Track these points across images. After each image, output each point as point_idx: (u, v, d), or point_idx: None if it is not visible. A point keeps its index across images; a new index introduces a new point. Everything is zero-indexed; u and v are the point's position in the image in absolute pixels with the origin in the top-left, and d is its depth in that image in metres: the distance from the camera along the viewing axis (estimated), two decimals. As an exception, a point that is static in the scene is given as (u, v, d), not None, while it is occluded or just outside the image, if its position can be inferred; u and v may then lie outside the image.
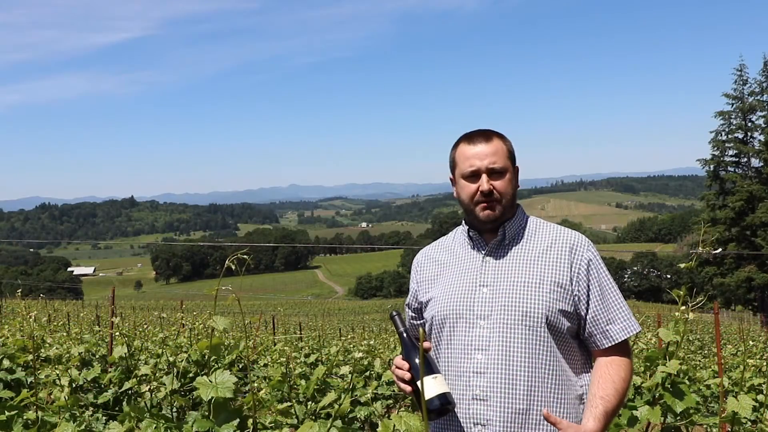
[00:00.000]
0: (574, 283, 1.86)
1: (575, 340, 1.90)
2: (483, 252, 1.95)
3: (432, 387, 1.73)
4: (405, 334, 1.87)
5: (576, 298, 1.86)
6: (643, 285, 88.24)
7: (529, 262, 1.89)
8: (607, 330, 1.86)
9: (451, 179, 2.03)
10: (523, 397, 1.78)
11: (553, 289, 1.84)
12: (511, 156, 1.95)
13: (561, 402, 1.81)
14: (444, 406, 1.73)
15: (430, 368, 1.77)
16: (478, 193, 1.89)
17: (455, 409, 1.84)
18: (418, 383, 1.73)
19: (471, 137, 1.95)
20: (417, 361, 1.77)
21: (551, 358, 1.81)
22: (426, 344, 1.85)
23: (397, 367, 1.84)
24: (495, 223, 1.92)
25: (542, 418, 1.78)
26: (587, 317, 1.87)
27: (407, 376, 1.79)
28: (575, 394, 1.84)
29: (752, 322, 37.24)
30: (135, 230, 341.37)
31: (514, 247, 1.93)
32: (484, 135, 1.94)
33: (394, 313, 1.90)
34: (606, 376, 1.82)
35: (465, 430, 1.82)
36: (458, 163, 1.96)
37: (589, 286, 1.87)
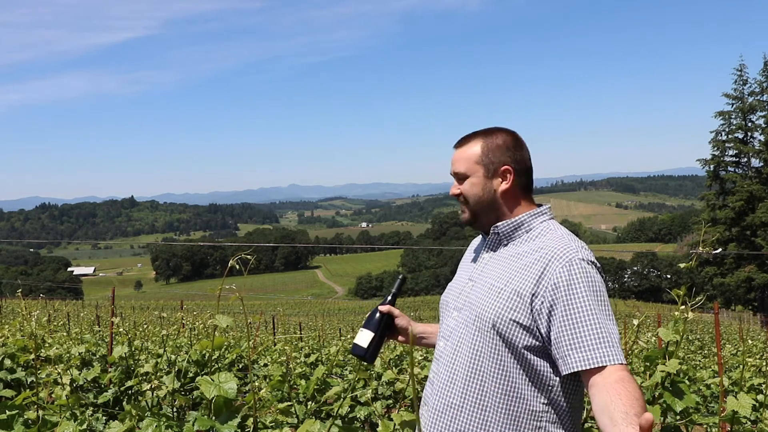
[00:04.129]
0: (537, 297, 1.71)
1: (543, 357, 1.73)
2: (483, 249, 2.01)
3: (359, 337, 2.12)
4: (389, 294, 2.20)
5: (536, 314, 1.71)
6: (643, 285, 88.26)
7: (505, 267, 1.85)
8: (567, 356, 1.65)
9: None
10: (458, 392, 1.79)
11: (511, 298, 1.75)
12: (483, 158, 1.89)
13: (498, 410, 1.74)
14: (356, 353, 2.10)
15: (373, 324, 2.12)
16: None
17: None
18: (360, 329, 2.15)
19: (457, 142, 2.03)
20: (376, 315, 2.14)
21: (496, 364, 1.75)
22: (383, 307, 2.13)
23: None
24: (472, 226, 2.00)
25: (471, 417, 1.74)
26: (551, 338, 1.69)
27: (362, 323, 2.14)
28: (528, 409, 1.72)
29: (752, 322, 37.22)
30: (135, 230, 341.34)
31: (506, 249, 1.92)
32: (462, 140, 1.98)
33: (400, 276, 2.24)
34: (627, 393, 1.54)
35: (421, 407, 1.95)
36: None
37: (552, 305, 1.68)
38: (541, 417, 1.73)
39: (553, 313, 1.69)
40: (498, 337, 1.74)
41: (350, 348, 2.13)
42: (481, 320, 1.79)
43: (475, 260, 2.02)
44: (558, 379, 1.73)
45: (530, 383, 1.73)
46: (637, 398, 1.53)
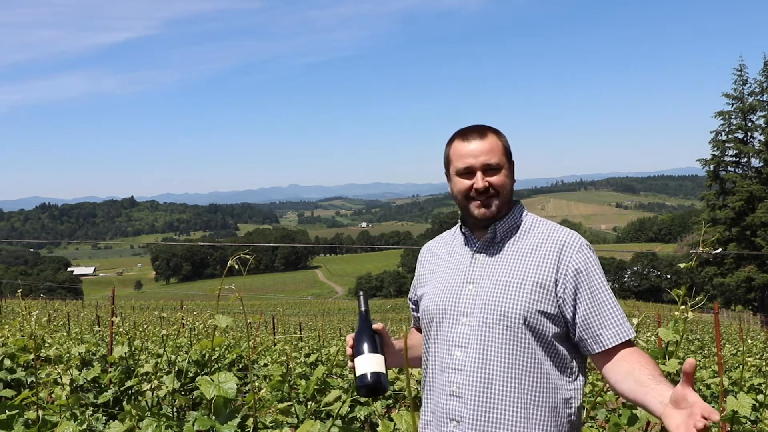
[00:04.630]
0: (559, 284, 1.79)
1: (564, 342, 1.82)
2: (473, 249, 1.94)
3: (366, 364, 1.78)
4: (363, 314, 1.93)
5: (561, 301, 1.78)
6: (643, 285, 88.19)
7: (516, 261, 1.85)
8: (600, 335, 1.76)
9: (446, 175, 2.01)
10: (499, 397, 1.75)
11: (534, 290, 1.78)
12: (507, 152, 1.92)
13: (540, 405, 1.76)
14: (375, 384, 1.76)
15: (372, 348, 1.82)
16: (473, 190, 1.87)
17: (435, 405, 1.86)
18: (355, 359, 1.81)
19: (465, 134, 1.91)
20: (360, 338, 1.85)
21: (531, 359, 1.77)
22: (377, 325, 1.90)
23: (347, 343, 1.92)
24: (490, 221, 1.90)
25: (516, 418, 1.75)
26: (576, 321, 1.79)
27: (349, 351, 1.87)
28: (561, 397, 1.78)
29: (752, 322, 37.21)
30: (135, 230, 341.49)
31: (504, 245, 1.90)
32: (479, 131, 1.90)
33: (360, 293, 1.98)
34: (645, 360, 1.71)
35: (442, 425, 1.83)
36: (453, 160, 1.92)
37: (576, 289, 1.78)
38: (571, 403, 1.80)
39: (578, 296, 1.78)
40: (529, 332, 1.77)
41: (364, 382, 1.75)
42: (507, 318, 1.77)
43: (459, 263, 1.95)
44: (575, 361, 1.83)
45: (559, 371, 1.80)
46: (654, 364, 1.69)
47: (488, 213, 1.87)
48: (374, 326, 1.89)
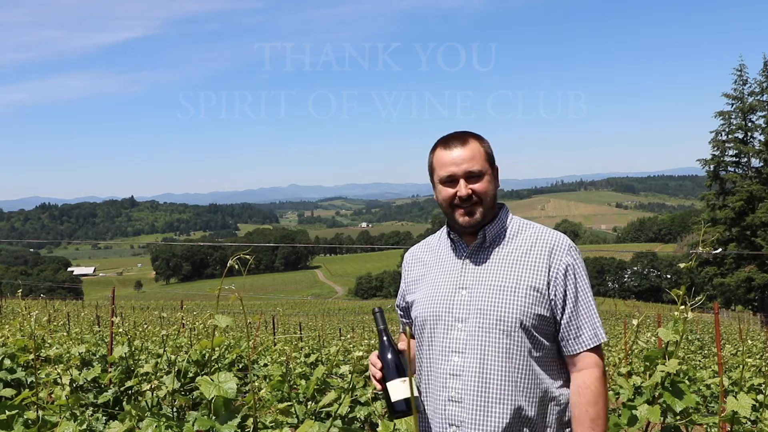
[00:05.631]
0: (551, 287, 1.85)
1: (553, 343, 1.88)
2: (463, 254, 1.95)
3: (399, 390, 1.79)
4: (383, 333, 1.89)
5: (552, 303, 1.85)
6: (643, 285, 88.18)
7: (508, 266, 1.88)
8: (579, 336, 1.85)
9: (431, 183, 2.03)
10: (496, 400, 1.79)
11: (529, 294, 1.83)
12: (489, 157, 1.94)
13: (534, 405, 1.81)
14: (410, 409, 1.75)
15: (402, 370, 1.81)
16: (456, 197, 1.89)
17: (433, 410, 1.87)
18: (388, 384, 1.80)
19: (447, 141, 1.94)
20: (389, 361, 1.83)
21: (526, 362, 1.81)
22: (401, 345, 1.88)
23: (372, 365, 1.90)
24: (475, 228, 1.92)
25: (515, 421, 1.79)
26: (561, 321, 1.86)
27: (378, 374, 1.86)
28: (550, 396, 1.84)
29: (752, 322, 37.22)
30: (135, 230, 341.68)
31: (494, 250, 1.92)
32: (460, 139, 1.92)
33: (376, 310, 1.95)
34: (590, 395, 1.81)
35: (440, 430, 1.85)
36: (436, 168, 1.95)
37: (565, 291, 1.85)
38: (560, 400, 1.86)
39: (566, 297, 1.85)
40: (524, 335, 1.81)
41: (401, 408, 1.78)
42: (504, 322, 1.80)
43: (448, 268, 1.96)
44: (561, 361, 1.90)
45: (548, 371, 1.85)
46: (593, 404, 1.80)
47: (472, 221, 1.90)
48: (400, 346, 1.88)
